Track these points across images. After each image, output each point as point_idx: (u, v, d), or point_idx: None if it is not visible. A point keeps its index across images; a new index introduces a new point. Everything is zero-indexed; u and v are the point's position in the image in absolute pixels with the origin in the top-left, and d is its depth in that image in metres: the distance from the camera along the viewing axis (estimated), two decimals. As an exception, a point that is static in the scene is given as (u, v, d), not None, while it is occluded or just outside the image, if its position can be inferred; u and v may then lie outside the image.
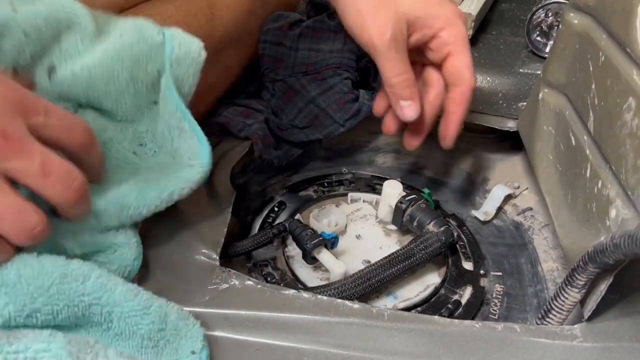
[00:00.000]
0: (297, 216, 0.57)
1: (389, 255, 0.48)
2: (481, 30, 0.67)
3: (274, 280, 0.51)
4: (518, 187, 0.62)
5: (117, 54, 0.38)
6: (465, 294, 0.51)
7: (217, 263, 0.43)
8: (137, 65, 0.39)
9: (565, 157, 0.47)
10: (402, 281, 0.51)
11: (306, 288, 0.48)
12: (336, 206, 0.59)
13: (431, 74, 0.52)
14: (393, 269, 0.47)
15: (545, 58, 0.56)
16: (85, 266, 0.33)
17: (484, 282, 0.53)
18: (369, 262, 0.52)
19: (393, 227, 0.56)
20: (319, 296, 0.41)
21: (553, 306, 0.40)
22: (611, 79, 0.39)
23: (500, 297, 0.52)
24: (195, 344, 0.35)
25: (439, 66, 0.51)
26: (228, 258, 0.51)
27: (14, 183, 0.30)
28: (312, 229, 0.50)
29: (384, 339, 0.38)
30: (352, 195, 0.61)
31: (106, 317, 0.33)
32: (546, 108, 0.50)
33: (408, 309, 0.49)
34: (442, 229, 0.50)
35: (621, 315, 0.39)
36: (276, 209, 0.59)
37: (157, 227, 0.45)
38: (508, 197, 0.61)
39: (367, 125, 0.52)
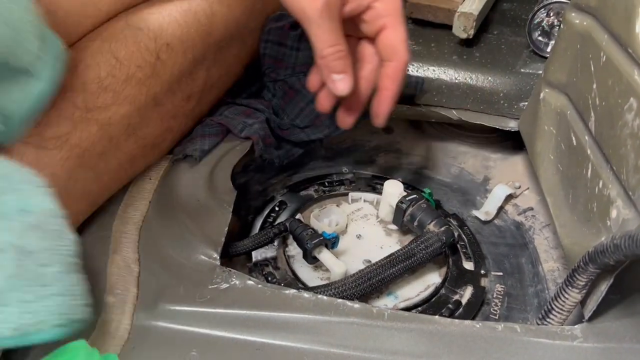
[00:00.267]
0: (298, 216, 0.57)
1: (390, 255, 0.48)
2: (482, 30, 0.67)
3: (274, 279, 0.51)
4: (519, 187, 0.62)
5: None
6: (466, 294, 0.51)
7: (218, 262, 0.43)
8: None
9: (566, 157, 0.47)
10: (403, 281, 0.51)
11: (307, 288, 0.48)
12: (337, 206, 0.59)
13: (366, 49, 0.49)
14: (394, 269, 0.47)
15: (546, 58, 0.56)
16: None
17: (484, 282, 0.53)
18: (370, 261, 0.52)
19: (394, 226, 0.56)
20: (320, 296, 0.41)
21: (554, 306, 0.40)
22: (612, 79, 0.39)
23: (500, 297, 0.52)
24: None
25: (373, 40, 0.48)
26: (229, 257, 0.51)
27: None
28: (313, 229, 0.51)
29: (384, 339, 0.38)
30: (352, 195, 0.61)
31: None
32: (547, 108, 0.50)
33: (408, 308, 0.49)
34: (442, 228, 0.50)
35: (622, 316, 0.39)
36: (277, 208, 0.59)
37: (157, 227, 0.45)
38: (509, 197, 0.61)
39: (368, 125, 0.52)
